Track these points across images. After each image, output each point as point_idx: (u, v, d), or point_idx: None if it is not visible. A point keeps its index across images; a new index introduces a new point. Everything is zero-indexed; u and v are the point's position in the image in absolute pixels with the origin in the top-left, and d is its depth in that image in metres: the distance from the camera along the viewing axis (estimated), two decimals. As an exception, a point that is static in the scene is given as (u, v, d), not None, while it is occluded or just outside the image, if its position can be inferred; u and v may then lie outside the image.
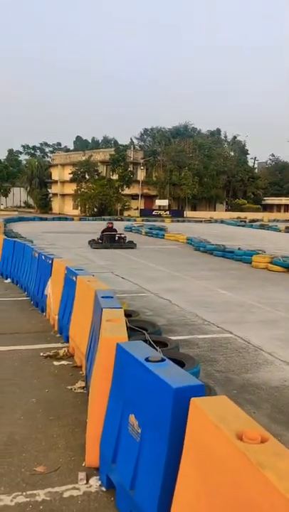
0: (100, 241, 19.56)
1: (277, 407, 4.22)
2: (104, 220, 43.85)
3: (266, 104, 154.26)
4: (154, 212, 60.18)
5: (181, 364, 4.26)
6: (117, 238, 19.95)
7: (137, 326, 4.98)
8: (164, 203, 64.23)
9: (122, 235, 20.37)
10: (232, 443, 1.79)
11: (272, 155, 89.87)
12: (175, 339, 5.52)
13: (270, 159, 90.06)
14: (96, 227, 26.82)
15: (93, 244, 19.37)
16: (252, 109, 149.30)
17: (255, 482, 1.64)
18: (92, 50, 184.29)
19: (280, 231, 34.00)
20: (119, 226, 30.67)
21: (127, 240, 20.01)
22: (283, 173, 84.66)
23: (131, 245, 19.53)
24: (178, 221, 48.62)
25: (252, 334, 6.58)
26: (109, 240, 19.55)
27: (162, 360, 2.67)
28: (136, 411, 2.67)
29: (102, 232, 20.06)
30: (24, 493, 2.83)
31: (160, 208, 63.76)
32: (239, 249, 16.48)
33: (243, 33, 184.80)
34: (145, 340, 4.35)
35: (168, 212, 60.74)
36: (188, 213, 61.68)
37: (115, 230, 20.43)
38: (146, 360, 2.64)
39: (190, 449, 2.15)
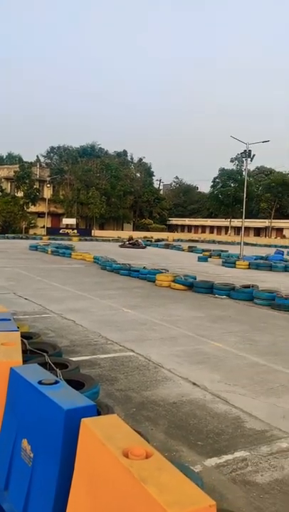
0: None
1: (174, 422, 4.37)
2: (8, 238, 42.44)
3: (169, 127, 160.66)
4: (61, 231, 59.43)
5: (80, 385, 4.28)
6: None
7: (37, 348, 4.91)
8: (72, 221, 63.86)
9: None
10: (118, 460, 1.85)
11: (177, 177, 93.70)
12: (76, 360, 5.51)
13: (174, 181, 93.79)
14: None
15: None
16: (156, 133, 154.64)
17: (139, 497, 1.71)
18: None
19: (183, 250, 35.35)
20: (24, 245, 29.90)
21: None
22: (186, 195, 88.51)
23: None
24: (86, 240, 48.53)
25: (153, 352, 6.76)
26: None
27: (56, 382, 2.67)
28: (29, 435, 2.64)
29: None
30: None
31: (68, 226, 63.20)
32: (144, 268, 16.87)
33: (131, 66, 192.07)
34: (45, 363, 4.31)
35: (76, 231, 60.35)
36: (96, 232, 61.82)
37: None
38: (40, 383, 2.63)
39: (80, 469, 2.17)
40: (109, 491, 1.91)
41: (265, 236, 67.91)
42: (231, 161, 67.79)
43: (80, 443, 2.19)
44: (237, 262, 23.01)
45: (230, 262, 23.64)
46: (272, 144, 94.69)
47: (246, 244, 38.95)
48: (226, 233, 71.15)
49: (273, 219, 68.54)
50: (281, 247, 40.25)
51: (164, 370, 5.93)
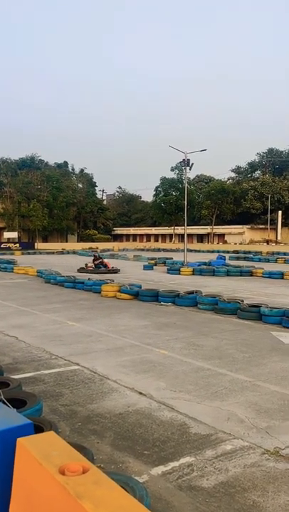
0: None
1: (120, 434, 4.34)
2: None
3: (110, 137, 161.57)
4: (2, 245, 57.91)
5: (23, 403, 4.16)
6: None
7: (-24, 369, 4.73)
8: (14, 235, 62.42)
9: None
10: (54, 478, 1.81)
11: (120, 187, 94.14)
12: (18, 378, 5.37)
13: (118, 191, 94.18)
14: None
15: None
16: (97, 143, 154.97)
17: (75, 513, 1.68)
18: None
19: (129, 259, 35.45)
20: None
21: None
22: (130, 204, 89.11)
23: None
24: (29, 253, 47.58)
25: (98, 364, 6.70)
26: None
27: (-10, 403, 2.58)
28: None
29: None
30: None
31: (9, 240, 61.69)
32: (89, 279, 16.74)
33: (77, 70, 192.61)
34: (-16, 383, 4.16)
35: (18, 245, 59.00)
36: (39, 245, 60.74)
37: None
38: (-27, 405, 2.53)
39: (18, 490, 2.10)
40: (47, 510, 1.86)
41: (208, 242, 69.54)
42: (172, 169, 69.07)
43: (17, 463, 2.13)
44: (181, 269, 23.36)
45: (174, 269, 23.96)
46: (211, 152, 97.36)
47: (190, 250, 39.74)
48: (170, 241, 72.20)
49: (215, 225, 70.30)
50: (223, 252, 41.29)
51: (109, 382, 5.89)
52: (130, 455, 3.90)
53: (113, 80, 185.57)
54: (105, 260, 24.67)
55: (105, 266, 23.46)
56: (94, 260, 23.92)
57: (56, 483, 1.79)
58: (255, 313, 10.30)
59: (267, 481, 3.47)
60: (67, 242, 70.52)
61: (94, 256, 25.14)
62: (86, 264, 23.92)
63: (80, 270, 23.18)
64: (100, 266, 23.36)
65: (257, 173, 76.23)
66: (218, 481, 3.49)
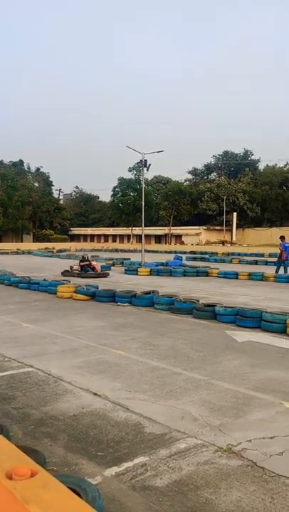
0: None
1: (74, 435, 4.28)
2: None
3: (68, 137, 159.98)
4: None
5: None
6: None
7: None
8: None
9: None
10: (0, 483, 1.76)
11: (77, 187, 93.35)
12: None
13: (75, 191, 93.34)
14: None
15: None
16: (53, 142, 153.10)
17: (23, 519, 1.63)
18: None
19: (86, 260, 35.14)
20: None
21: None
22: (87, 204, 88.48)
23: None
24: (-18, 254, 46.34)
25: (53, 365, 6.60)
26: None
27: None
28: None
29: None
30: None
31: None
32: (44, 280, 16.49)
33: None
34: None
35: (-29, 245, 57.36)
36: (-7, 245, 59.29)
37: None
38: None
39: None
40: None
41: (166, 243, 70.08)
42: (129, 170, 69.10)
43: None
44: (139, 269, 23.40)
45: (132, 269, 23.98)
46: (168, 153, 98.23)
47: (148, 251, 39.89)
48: (128, 241, 72.19)
49: (172, 226, 70.94)
50: (180, 252, 41.72)
51: (64, 383, 5.81)
52: (84, 457, 3.86)
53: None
54: (94, 263, 21.95)
55: (93, 269, 21.06)
56: (80, 262, 21.51)
57: (3, 488, 1.74)
58: (210, 312, 10.46)
59: (219, 478, 3.51)
60: (22, 242, 69.20)
61: (82, 257, 22.39)
62: (71, 267, 21.50)
63: (65, 273, 20.94)
64: (87, 269, 20.86)
65: (213, 175, 77.54)
66: (171, 479, 3.50)
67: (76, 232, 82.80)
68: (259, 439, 4.18)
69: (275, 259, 24.87)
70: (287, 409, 4.96)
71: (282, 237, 22.47)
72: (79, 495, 2.46)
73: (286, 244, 21.51)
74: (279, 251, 22.46)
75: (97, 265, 21.85)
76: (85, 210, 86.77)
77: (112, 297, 13.17)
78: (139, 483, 3.44)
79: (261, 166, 74.52)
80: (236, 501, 3.20)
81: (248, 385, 5.81)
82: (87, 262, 21.32)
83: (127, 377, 6.12)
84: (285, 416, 4.77)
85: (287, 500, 3.21)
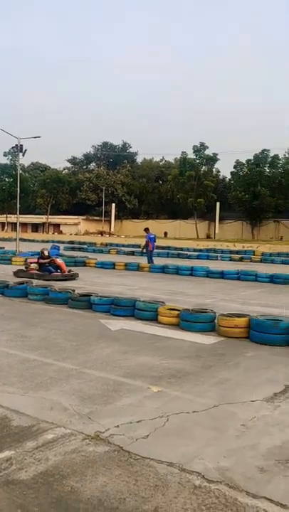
0: None
1: None
2: None
3: None
4: None
5: None
6: None
7: None
8: None
9: None
10: None
11: None
12: None
13: None
14: None
15: None
16: None
17: None
18: None
19: None
20: None
21: None
22: None
23: None
24: None
25: None
26: None
27: None
28: None
29: None
30: None
31: None
32: None
33: None
34: None
35: None
36: None
37: None
38: None
39: None
40: None
41: (43, 232, 68.60)
42: (4, 155, 66.05)
43: None
44: (13, 259, 22.54)
45: (6, 258, 23.04)
46: (46, 140, 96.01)
47: (24, 240, 38.72)
48: (2, 229, 69.17)
49: (50, 215, 69.62)
50: (58, 242, 41.08)
51: None
52: None
53: None
54: (58, 260, 16.48)
55: (58, 268, 16.07)
56: (39, 259, 16.68)
57: None
58: (85, 302, 10.47)
59: (86, 466, 3.54)
60: None
61: (41, 253, 17.00)
62: (27, 266, 16.91)
63: (18, 273, 16.16)
64: (49, 268, 16.01)
65: (92, 165, 77.65)
66: (37, 471, 3.44)
67: None
68: (126, 424, 4.29)
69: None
70: (154, 394, 5.18)
71: (146, 229, 23.74)
72: None
73: (151, 236, 22.72)
74: (144, 242, 23.55)
75: (63, 263, 16.44)
76: None
77: (-18, 288, 12.49)
78: (3, 478, 3.32)
79: (139, 160, 76.55)
80: (101, 486, 3.25)
81: (119, 371, 5.94)
82: (50, 259, 16.39)
83: (-4, 370, 5.87)
84: (152, 400, 4.98)
85: (150, 480, 3.35)
